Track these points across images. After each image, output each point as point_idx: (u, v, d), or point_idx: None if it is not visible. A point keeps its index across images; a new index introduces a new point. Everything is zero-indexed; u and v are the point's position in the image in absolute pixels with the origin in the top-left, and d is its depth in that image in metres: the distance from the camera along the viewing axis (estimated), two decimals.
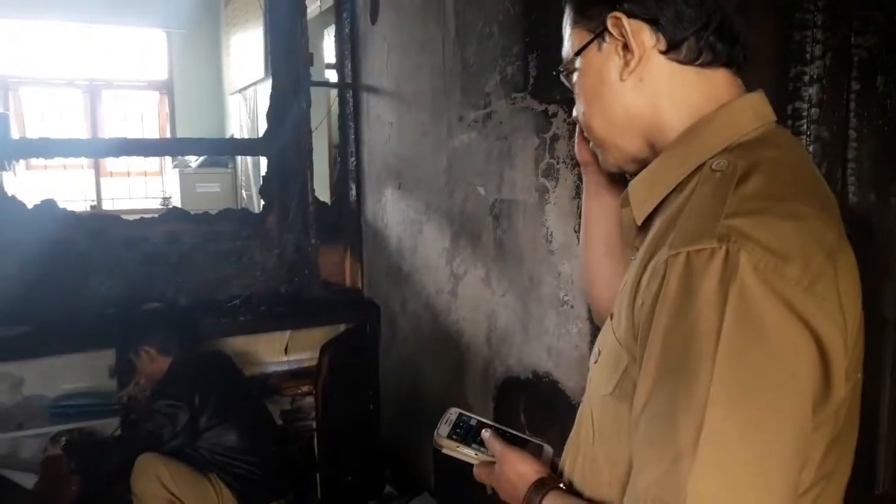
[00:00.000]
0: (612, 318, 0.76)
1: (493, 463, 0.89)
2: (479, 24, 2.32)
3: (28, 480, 2.49)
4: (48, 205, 2.88)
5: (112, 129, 6.49)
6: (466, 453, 0.93)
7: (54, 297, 2.77)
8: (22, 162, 5.80)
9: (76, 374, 2.74)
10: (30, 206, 2.82)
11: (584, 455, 0.81)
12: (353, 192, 3.41)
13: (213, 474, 2.38)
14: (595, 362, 0.80)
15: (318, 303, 3.24)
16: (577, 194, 1.87)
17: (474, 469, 0.93)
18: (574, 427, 0.86)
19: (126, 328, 2.50)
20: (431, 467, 2.86)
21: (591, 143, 0.88)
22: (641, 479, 0.62)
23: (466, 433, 0.95)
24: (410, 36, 2.80)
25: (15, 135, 5.53)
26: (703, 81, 0.75)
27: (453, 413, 0.99)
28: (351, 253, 3.44)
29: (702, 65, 0.74)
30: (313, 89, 3.33)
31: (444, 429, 0.96)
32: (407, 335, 3.01)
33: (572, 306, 1.93)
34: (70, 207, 3.10)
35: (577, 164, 1.87)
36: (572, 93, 0.86)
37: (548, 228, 2.02)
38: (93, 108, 6.38)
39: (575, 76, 0.82)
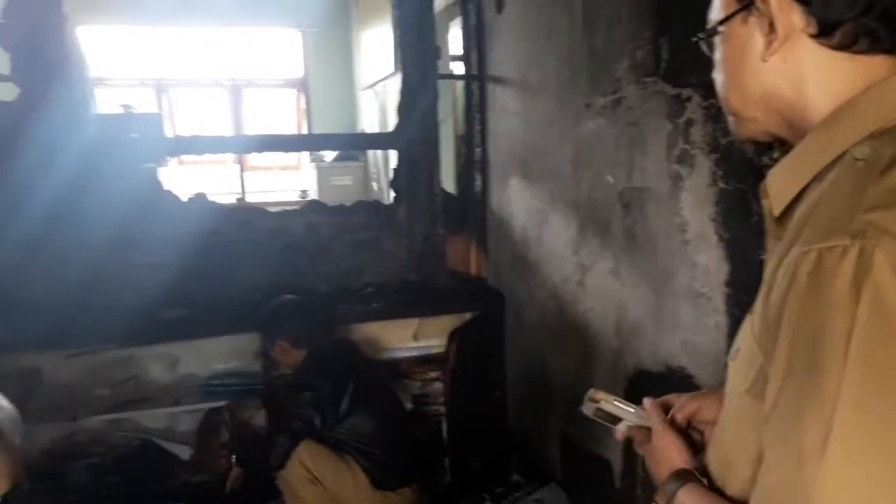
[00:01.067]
0: (751, 312, 0.74)
1: (647, 430, 0.92)
2: (606, 9, 2.26)
3: (184, 452, 2.73)
4: (200, 198, 3.12)
5: (253, 126, 6.93)
6: (623, 408, 0.96)
7: (207, 284, 3.01)
8: (175, 158, 6.27)
9: (226, 355, 2.96)
10: (184, 199, 3.08)
11: (722, 452, 0.80)
12: (479, 183, 3.44)
13: (350, 457, 2.49)
14: (733, 360, 0.78)
15: (446, 291, 3.31)
16: (714, 181, 1.79)
17: (628, 427, 0.96)
18: (718, 424, 0.84)
19: (261, 321, 2.64)
20: (559, 457, 2.85)
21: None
22: (767, 479, 0.61)
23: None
24: (536, 24, 2.78)
25: (168, 133, 6.03)
26: (856, 67, 0.69)
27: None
28: (477, 242, 3.48)
29: (857, 51, 0.68)
30: (440, 82, 3.39)
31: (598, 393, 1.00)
32: (533, 325, 3.01)
33: (709, 298, 1.85)
34: (218, 201, 3.36)
35: (713, 150, 1.80)
36: (708, 75, 0.83)
37: (682, 217, 1.95)
38: (236, 106, 6.83)
39: (717, 42, 0.79)
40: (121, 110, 5.49)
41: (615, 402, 0.97)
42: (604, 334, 2.43)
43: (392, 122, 3.50)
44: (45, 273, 2.71)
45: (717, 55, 0.80)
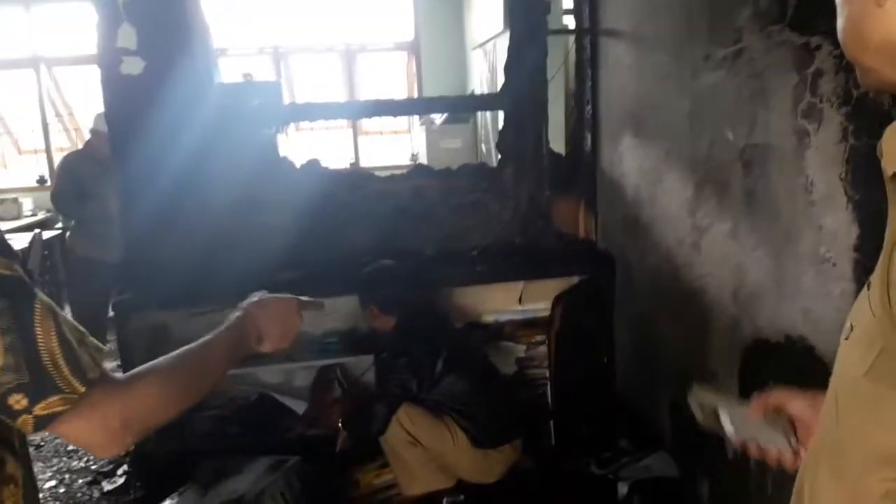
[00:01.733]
0: (867, 287, 0.66)
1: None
2: None
3: (299, 407, 2.86)
4: (313, 164, 3.21)
5: (366, 90, 7.05)
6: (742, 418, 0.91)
7: (320, 246, 3.10)
8: (292, 125, 6.51)
9: (337, 315, 3.06)
10: (298, 165, 3.18)
11: (829, 435, 0.73)
12: (589, 142, 3.33)
13: (448, 417, 2.53)
14: (846, 338, 0.70)
15: (552, 254, 3.25)
16: (844, 137, 1.63)
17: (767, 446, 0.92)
18: (822, 410, 0.77)
19: (356, 286, 2.71)
20: (669, 425, 2.76)
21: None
22: None
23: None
24: None
25: (286, 100, 6.24)
26: None
27: None
28: (585, 204, 3.38)
29: None
30: (550, 38, 3.28)
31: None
32: (644, 289, 2.90)
33: (835, 264, 1.71)
34: (332, 166, 3.45)
35: (844, 103, 1.63)
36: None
37: (807, 177, 1.79)
38: (349, 71, 6.96)
39: None
40: (241, 79, 5.75)
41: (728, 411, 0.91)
42: (720, 301, 2.30)
43: (501, 82, 3.43)
44: (173, 237, 2.89)
45: None
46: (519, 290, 3.22)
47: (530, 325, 3.16)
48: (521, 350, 3.18)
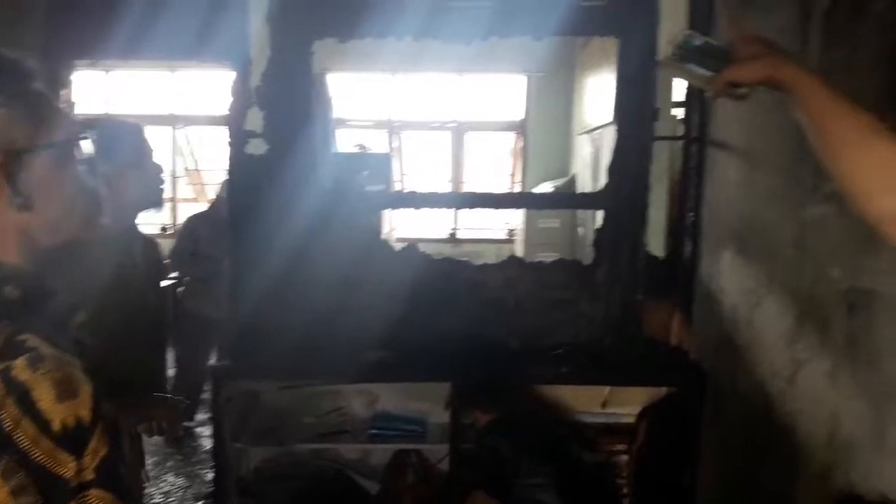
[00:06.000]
0: None
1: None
2: (841, 88, 2.06)
3: (374, 487, 2.91)
4: (411, 248, 3.33)
5: (472, 166, 7.25)
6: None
7: (410, 330, 3.19)
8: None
9: (419, 398, 3.12)
10: (397, 248, 3.30)
11: None
12: (688, 250, 3.28)
13: None
14: None
15: (641, 361, 3.19)
16: None
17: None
18: None
19: (459, 388, 2.77)
20: None
21: None
22: None
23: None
24: (765, 94, 2.60)
25: (396, 172, 6.50)
26: None
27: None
28: (680, 312, 3.31)
29: None
30: (658, 141, 3.29)
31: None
32: (733, 413, 2.78)
33: None
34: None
35: None
36: None
37: None
38: (457, 147, 7.19)
39: None
40: (355, 149, 6.06)
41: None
42: (812, 443, 2.18)
43: (604, 169, 3.45)
44: (276, 310, 3.06)
45: None
46: (604, 393, 3.18)
47: (612, 431, 3.10)
48: (601, 457, 3.11)
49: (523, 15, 3.05)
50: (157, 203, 2.32)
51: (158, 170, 2.30)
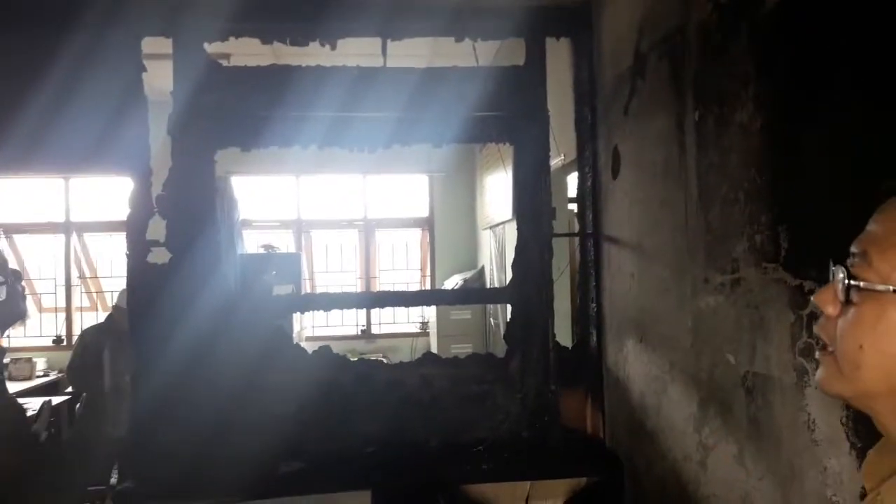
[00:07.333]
0: None
1: None
2: (722, 188, 2.25)
3: None
4: (324, 350, 3.28)
5: (381, 261, 7.32)
6: None
7: (324, 435, 3.10)
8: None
9: None
10: (310, 351, 3.24)
11: None
12: (594, 339, 3.40)
13: None
14: None
15: (560, 452, 3.21)
16: None
17: None
18: None
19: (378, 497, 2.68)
20: None
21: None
22: None
23: None
24: (651, 193, 2.80)
25: (304, 271, 6.45)
26: None
27: None
28: (592, 400, 3.39)
29: None
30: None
31: None
32: (654, 499, 2.83)
33: None
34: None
35: None
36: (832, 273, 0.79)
37: (809, 414, 1.82)
38: (366, 244, 7.25)
39: (861, 287, 0.75)
40: (262, 250, 6.00)
41: None
42: None
43: (509, 260, 3.56)
44: (175, 422, 2.91)
45: (855, 309, 0.76)
46: (526, 488, 3.16)
47: None
48: None
49: (423, 124, 3.20)
50: (20, 315, 2.19)
51: (17, 277, 2.18)
